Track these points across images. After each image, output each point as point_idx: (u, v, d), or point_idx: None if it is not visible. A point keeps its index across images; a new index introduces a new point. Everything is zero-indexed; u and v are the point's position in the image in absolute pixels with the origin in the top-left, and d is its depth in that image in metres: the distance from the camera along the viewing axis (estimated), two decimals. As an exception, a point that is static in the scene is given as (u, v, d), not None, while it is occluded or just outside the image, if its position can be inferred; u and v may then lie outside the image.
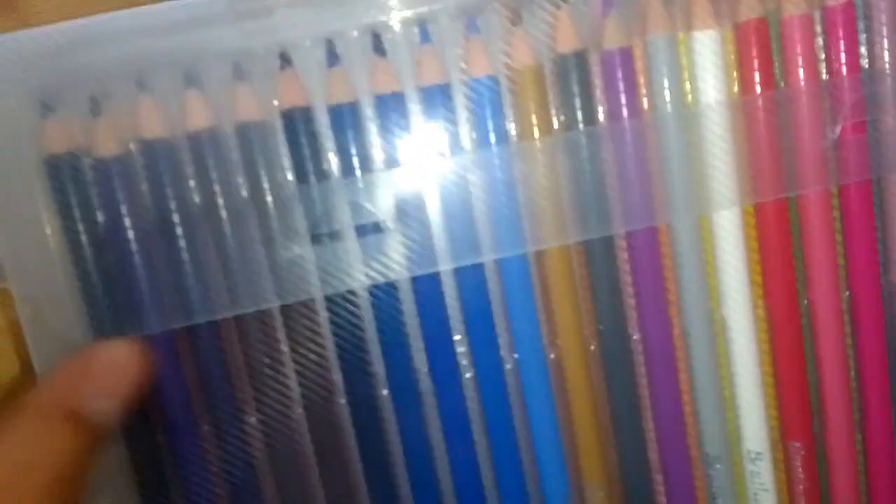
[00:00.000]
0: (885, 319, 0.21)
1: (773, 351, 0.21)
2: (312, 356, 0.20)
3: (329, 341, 0.20)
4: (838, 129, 0.20)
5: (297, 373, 0.20)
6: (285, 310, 0.20)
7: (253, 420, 0.20)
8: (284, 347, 0.20)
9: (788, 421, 0.22)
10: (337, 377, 0.20)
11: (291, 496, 0.21)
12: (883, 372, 0.21)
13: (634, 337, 0.21)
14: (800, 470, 0.22)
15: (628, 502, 0.22)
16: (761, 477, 0.22)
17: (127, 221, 0.19)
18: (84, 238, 0.19)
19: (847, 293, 0.21)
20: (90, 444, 0.17)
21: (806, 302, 0.21)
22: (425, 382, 0.21)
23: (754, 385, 0.21)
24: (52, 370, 0.18)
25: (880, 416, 0.22)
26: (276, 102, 0.19)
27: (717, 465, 0.22)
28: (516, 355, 0.21)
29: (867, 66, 0.20)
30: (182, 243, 0.19)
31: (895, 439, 0.22)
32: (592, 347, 0.21)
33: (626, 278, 0.21)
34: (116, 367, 0.18)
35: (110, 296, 0.19)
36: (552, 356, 0.21)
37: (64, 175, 0.19)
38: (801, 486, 0.22)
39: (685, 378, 0.21)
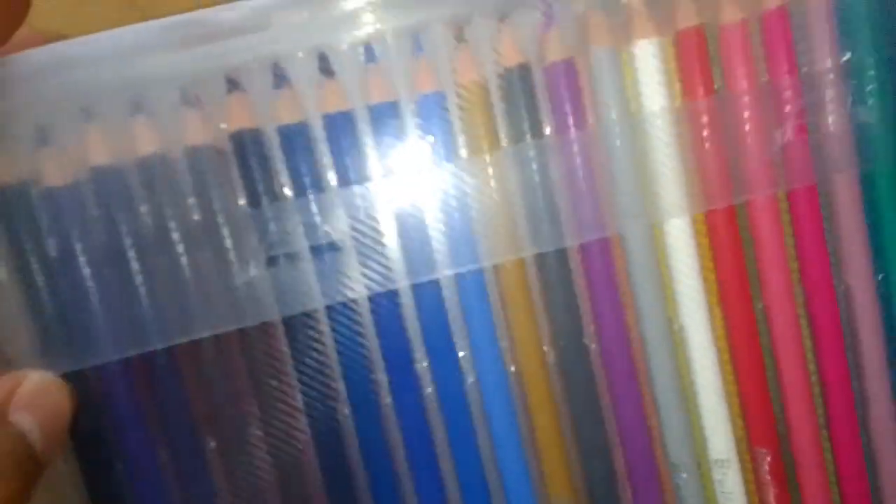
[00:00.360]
0: (840, 318, 0.22)
1: (732, 356, 0.21)
2: (272, 378, 0.20)
3: (288, 363, 0.20)
4: (784, 134, 0.20)
5: (257, 394, 0.20)
6: (242, 333, 0.20)
7: (212, 445, 0.20)
8: (242, 370, 0.20)
9: (753, 426, 0.22)
10: (297, 397, 0.20)
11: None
12: (843, 370, 0.21)
13: (593, 348, 0.21)
14: (768, 475, 0.22)
15: (595, 514, 0.22)
16: (728, 484, 0.22)
17: (78, 250, 0.19)
18: (35, 268, 0.19)
19: (801, 297, 0.22)
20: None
21: (761, 306, 0.21)
22: (386, 399, 0.21)
23: (716, 391, 0.21)
24: None
25: (844, 414, 0.22)
26: (223, 126, 0.20)
27: (684, 474, 0.22)
28: (476, 369, 0.21)
29: (807, 70, 0.21)
30: (135, 270, 0.19)
31: (861, 437, 0.22)
32: (552, 359, 0.21)
33: (581, 290, 0.21)
34: (42, 396, 0.18)
35: (64, 325, 0.19)
36: (512, 369, 0.21)
37: (13, 206, 0.19)
38: (771, 492, 0.22)
39: (647, 387, 0.21)
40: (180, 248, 0.19)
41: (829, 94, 0.20)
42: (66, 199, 0.19)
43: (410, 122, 0.20)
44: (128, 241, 0.19)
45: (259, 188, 0.20)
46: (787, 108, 0.21)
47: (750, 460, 0.22)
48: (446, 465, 0.21)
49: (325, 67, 0.20)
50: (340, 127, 0.20)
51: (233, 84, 0.19)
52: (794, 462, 0.22)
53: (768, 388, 0.22)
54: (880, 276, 0.21)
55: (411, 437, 0.21)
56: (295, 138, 0.20)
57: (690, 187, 0.20)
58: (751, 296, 0.21)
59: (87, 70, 0.19)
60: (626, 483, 0.22)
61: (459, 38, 0.20)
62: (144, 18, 0.24)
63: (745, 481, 0.22)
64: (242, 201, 0.20)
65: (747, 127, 0.20)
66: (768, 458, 0.22)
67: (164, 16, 0.25)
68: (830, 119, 0.20)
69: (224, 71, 0.19)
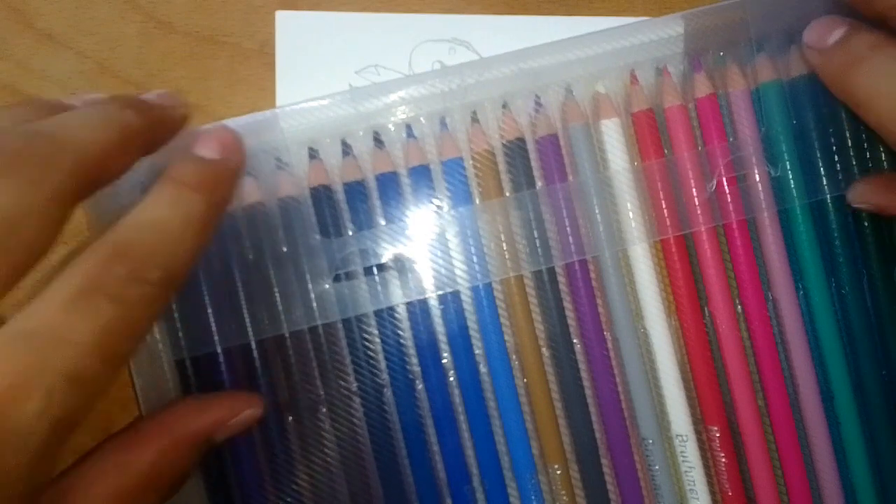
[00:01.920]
0: (771, 325, 0.28)
1: (687, 353, 0.27)
2: (333, 367, 0.27)
3: (346, 356, 0.27)
4: (714, 184, 0.27)
5: (324, 380, 0.27)
6: (313, 331, 0.27)
7: (290, 420, 0.27)
8: (312, 359, 0.27)
9: (705, 409, 0.27)
10: (353, 383, 0.27)
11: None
12: (776, 363, 0.27)
13: (577, 345, 0.27)
14: (719, 449, 0.27)
15: (581, 475, 0.27)
16: (688, 455, 0.27)
17: (200, 270, 0.26)
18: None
19: (740, 306, 0.28)
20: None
21: (708, 313, 0.28)
22: (419, 385, 0.27)
23: (675, 380, 0.27)
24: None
25: (778, 397, 0.27)
26: (305, 183, 0.27)
27: (650, 440, 0.27)
28: (488, 361, 0.27)
29: (732, 139, 0.28)
30: (239, 285, 0.26)
31: (794, 416, 0.27)
32: (546, 354, 0.27)
33: (568, 301, 0.28)
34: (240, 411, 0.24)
35: (186, 322, 0.26)
36: (516, 362, 0.27)
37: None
38: (722, 463, 0.27)
39: (620, 376, 0.28)
40: (272, 270, 0.27)
41: (751, 155, 0.27)
42: None
43: (438, 179, 0.27)
44: (234, 265, 0.27)
45: (329, 227, 0.27)
46: (718, 167, 0.27)
47: (706, 437, 0.28)
48: (465, 435, 0.27)
49: (378, 141, 0.28)
50: (388, 183, 0.27)
51: (313, 153, 0.27)
52: (740, 437, 0.27)
53: (717, 378, 0.28)
54: (801, 292, 0.28)
55: (438, 414, 0.27)
56: (355, 192, 0.27)
57: (647, 221, 0.27)
58: (699, 306, 0.28)
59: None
60: (606, 450, 0.27)
61: (474, 119, 0.28)
62: (147, 20, 0.29)
63: (702, 453, 0.27)
64: (317, 236, 0.27)
65: (689, 179, 0.27)
66: (718, 434, 0.27)
67: (165, 18, 0.30)
68: (753, 173, 0.27)
69: (307, 144, 0.27)
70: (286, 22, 0.31)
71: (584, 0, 0.30)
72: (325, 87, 0.29)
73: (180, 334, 0.26)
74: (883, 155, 0.27)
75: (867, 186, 0.26)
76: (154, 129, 0.22)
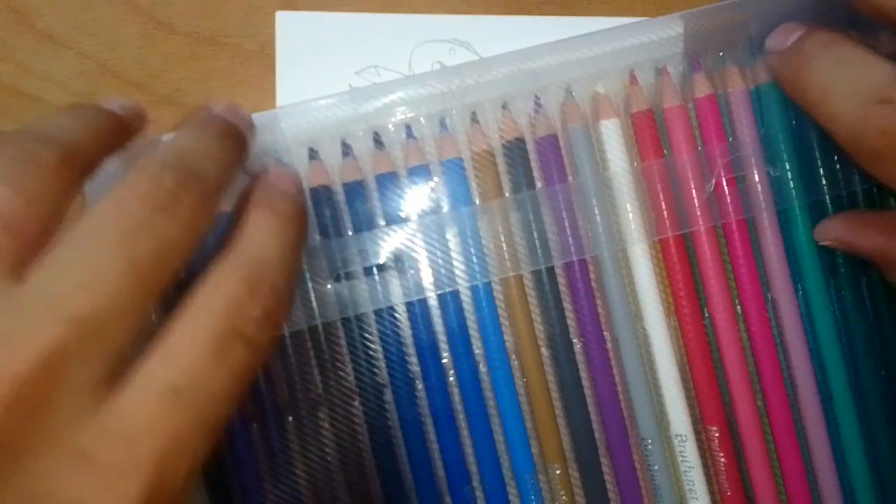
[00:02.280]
0: (770, 326, 0.28)
1: (686, 354, 0.27)
2: (333, 366, 0.27)
3: (346, 355, 0.27)
4: (713, 184, 0.27)
5: (324, 380, 0.27)
6: (313, 331, 0.27)
7: (290, 420, 0.27)
8: (312, 358, 0.27)
9: (705, 409, 0.27)
10: (352, 382, 0.27)
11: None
12: (775, 364, 0.27)
13: (577, 345, 0.27)
14: (718, 449, 0.27)
15: (581, 475, 0.27)
16: (687, 455, 0.27)
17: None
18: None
19: (739, 306, 0.28)
20: None
21: (708, 314, 0.28)
22: (419, 384, 0.27)
23: (674, 380, 0.27)
24: None
25: (777, 398, 0.27)
26: (305, 184, 0.27)
27: (649, 440, 0.27)
28: (488, 361, 0.27)
29: (732, 140, 0.28)
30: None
31: (792, 417, 0.27)
32: (546, 354, 0.27)
33: (568, 301, 0.28)
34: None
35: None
36: (515, 361, 0.27)
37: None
38: (721, 463, 0.27)
39: (619, 376, 0.27)
40: (272, 270, 0.27)
41: (750, 156, 0.27)
42: None
43: (438, 179, 0.28)
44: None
45: (329, 227, 0.27)
46: (718, 167, 0.27)
47: (705, 437, 0.28)
48: (465, 435, 0.27)
49: (378, 141, 0.28)
50: (387, 184, 0.27)
51: (313, 154, 0.27)
52: (739, 437, 0.27)
53: (716, 378, 0.28)
54: (800, 292, 0.28)
55: (437, 414, 0.27)
56: (355, 192, 0.27)
57: (647, 222, 0.27)
58: (699, 306, 0.28)
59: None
60: (606, 450, 0.27)
61: (473, 119, 0.28)
62: (147, 21, 0.29)
63: (701, 453, 0.27)
64: (316, 236, 0.27)
65: (688, 179, 0.27)
66: (717, 435, 0.27)
67: (165, 19, 0.30)
68: (752, 174, 0.27)
69: (307, 145, 0.27)
70: (286, 22, 0.31)
71: (583, 1, 0.30)
72: (325, 88, 0.29)
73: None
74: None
75: (833, 223, 0.26)
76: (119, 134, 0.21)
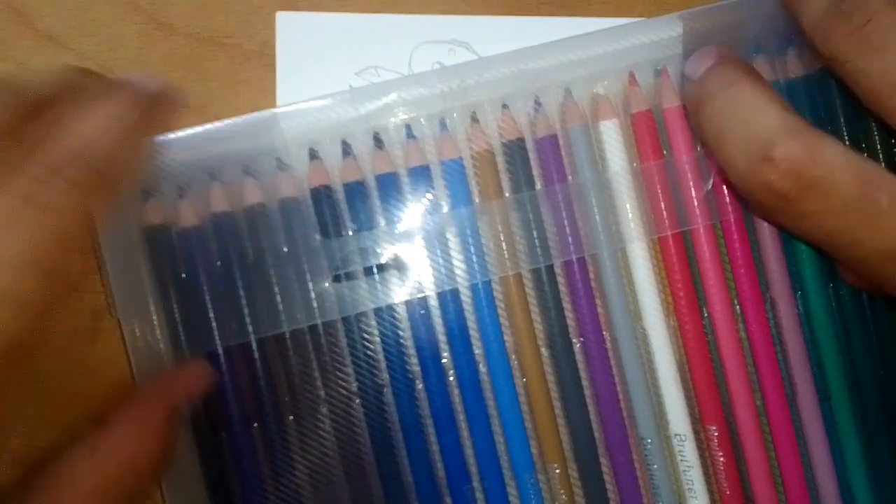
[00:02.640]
0: (769, 325, 0.27)
1: (685, 353, 0.27)
2: (333, 366, 0.27)
3: (346, 355, 0.27)
4: (710, 183, 0.27)
5: (324, 380, 0.27)
6: (313, 330, 0.27)
7: (290, 419, 0.27)
8: (312, 359, 0.27)
9: (704, 408, 0.27)
10: (353, 383, 0.27)
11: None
12: (774, 364, 0.27)
13: (576, 344, 0.27)
14: (717, 449, 0.27)
15: (580, 475, 0.27)
16: (687, 454, 0.27)
17: (201, 271, 0.26)
18: (170, 282, 0.26)
19: (738, 306, 0.28)
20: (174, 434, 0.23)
21: (706, 314, 0.28)
22: (418, 384, 0.27)
23: (673, 380, 0.27)
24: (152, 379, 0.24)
25: (776, 398, 0.27)
26: (306, 184, 0.27)
27: (649, 440, 0.27)
28: (488, 361, 0.27)
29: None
30: (239, 284, 0.26)
31: (791, 416, 0.27)
32: (546, 354, 0.27)
33: (567, 301, 0.28)
34: (195, 378, 0.25)
35: (187, 322, 0.26)
36: (515, 361, 0.27)
37: (157, 240, 0.27)
38: (721, 462, 0.27)
39: (619, 376, 0.27)
40: (272, 270, 0.27)
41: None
42: (195, 236, 0.27)
43: (438, 179, 0.27)
44: (235, 265, 0.27)
45: (329, 227, 0.27)
46: (716, 166, 0.27)
47: (704, 437, 0.28)
48: (464, 435, 0.27)
49: (378, 142, 0.27)
50: (388, 184, 0.27)
51: (313, 154, 0.27)
52: (738, 437, 0.27)
53: (715, 378, 0.27)
54: (799, 292, 0.28)
55: (437, 414, 0.27)
56: (355, 192, 0.27)
57: (647, 222, 0.27)
58: (698, 306, 0.27)
59: (213, 146, 0.27)
60: (605, 450, 0.27)
61: (473, 119, 0.28)
62: (147, 22, 0.29)
63: (700, 452, 0.27)
64: (317, 236, 0.27)
65: (688, 180, 0.27)
66: (717, 434, 0.27)
67: (165, 19, 0.30)
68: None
69: (307, 145, 0.27)
70: (286, 23, 0.30)
71: (583, 1, 0.30)
72: (325, 88, 0.29)
73: (181, 333, 0.26)
74: (881, 156, 0.27)
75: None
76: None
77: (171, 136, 0.27)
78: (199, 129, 0.27)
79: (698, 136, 0.24)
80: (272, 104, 0.30)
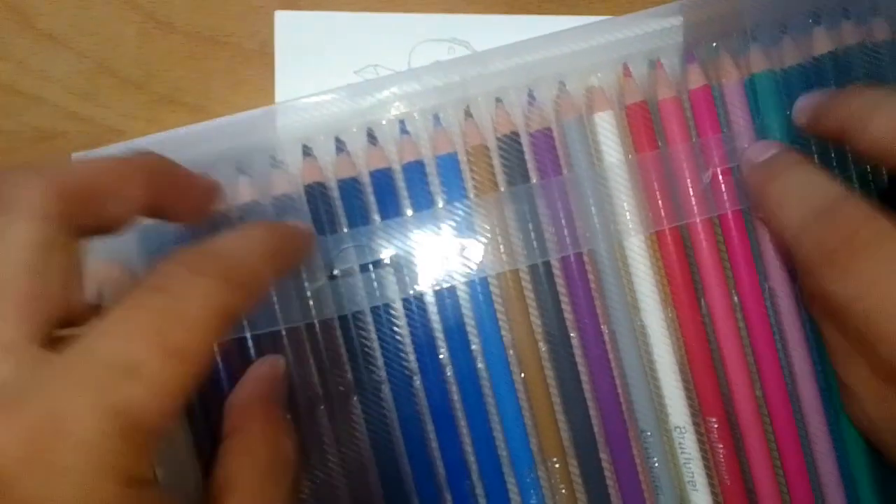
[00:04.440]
0: (768, 315, 0.26)
1: (684, 345, 0.26)
2: (330, 364, 0.26)
3: (342, 352, 0.26)
4: (709, 175, 0.26)
5: (321, 378, 0.26)
6: (310, 328, 0.26)
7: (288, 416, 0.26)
8: (309, 356, 0.26)
9: (703, 400, 0.26)
10: (350, 380, 0.26)
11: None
12: (773, 355, 0.26)
13: (574, 338, 0.26)
14: (717, 440, 0.26)
15: (580, 469, 0.26)
16: (687, 446, 0.26)
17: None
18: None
19: (736, 297, 0.26)
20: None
21: (705, 305, 0.26)
22: (416, 381, 0.26)
23: (672, 373, 0.26)
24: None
25: (776, 389, 0.26)
26: (299, 180, 0.26)
27: (649, 432, 0.26)
28: (485, 356, 0.26)
29: (727, 130, 0.26)
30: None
31: (792, 407, 0.26)
32: (544, 349, 0.26)
33: (564, 295, 0.26)
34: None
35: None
36: (513, 356, 0.26)
37: (153, 239, 0.26)
38: (721, 453, 0.26)
39: (618, 370, 0.26)
40: (268, 268, 0.26)
41: (745, 146, 0.26)
42: (190, 235, 0.25)
43: (433, 174, 0.26)
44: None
45: (324, 224, 0.26)
46: (713, 158, 0.26)
47: (704, 428, 0.26)
48: (463, 431, 0.26)
49: (372, 138, 0.26)
50: (382, 180, 0.26)
51: (307, 151, 0.26)
52: (738, 428, 0.26)
53: (714, 369, 0.26)
54: (797, 282, 0.26)
55: (436, 410, 0.26)
56: (350, 188, 0.26)
57: (643, 214, 0.26)
58: (696, 297, 0.26)
59: (207, 144, 0.26)
60: (605, 443, 0.26)
61: (467, 114, 0.26)
62: (146, 20, 0.29)
63: (700, 444, 0.26)
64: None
65: (683, 171, 0.26)
66: (716, 426, 0.26)
67: (166, 18, 0.29)
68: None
69: (301, 142, 0.26)
70: (285, 22, 0.30)
71: (583, 0, 0.29)
72: (324, 87, 0.28)
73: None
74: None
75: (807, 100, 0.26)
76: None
77: (165, 134, 0.26)
78: (192, 127, 0.27)
79: (757, 207, 0.26)
80: (271, 102, 0.29)
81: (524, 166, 0.26)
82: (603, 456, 0.26)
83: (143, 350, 0.16)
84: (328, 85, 0.28)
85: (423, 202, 0.26)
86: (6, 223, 0.17)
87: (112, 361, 0.15)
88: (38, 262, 0.17)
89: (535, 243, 0.26)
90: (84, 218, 0.18)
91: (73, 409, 0.15)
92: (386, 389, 0.26)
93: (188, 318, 0.16)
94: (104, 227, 0.19)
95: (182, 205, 0.21)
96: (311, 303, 0.25)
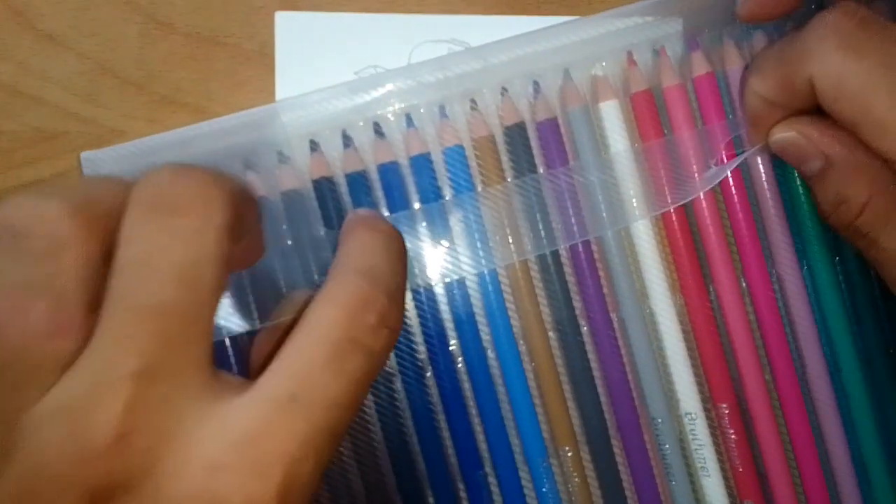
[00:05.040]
0: (777, 301, 0.26)
1: (693, 332, 0.26)
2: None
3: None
4: (717, 163, 0.26)
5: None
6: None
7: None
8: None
9: (714, 386, 0.26)
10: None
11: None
12: (782, 340, 0.26)
13: (584, 327, 0.26)
14: (728, 426, 0.26)
15: (593, 457, 0.26)
16: (698, 433, 0.26)
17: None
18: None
19: (744, 282, 0.26)
20: None
21: (713, 292, 0.26)
22: (428, 372, 0.26)
23: (682, 360, 0.26)
24: None
25: (786, 374, 0.26)
26: (307, 175, 0.26)
27: (660, 419, 0.26)
28: (496, 347, 0.26)
29: (732, 117, 0.26)
30: (244, 275, 0.25)
31: (802, 391, 0.26)
32: (553, 338, 0.26)
33: (572, 282, 0.26)
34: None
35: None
36: (523, 346, 0.26)
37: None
38: (732, 439, 0.26)
39: (627, 357, 0.26)
40: (277, 263, 0.25)
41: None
42: None
43: (440, 167, 0.26)
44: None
45: (333, 218, 0.26)
46: (719, 145, 0.26)
47: (715, 414, 0.26)
48: (476, 421, 0.26)
49: (378, 131, 0.26)
50: (390, 173, 0.26)
51: (314, 146, 0.26)
52: (749, 413, 0.26)
53: (724, 355, 0.26)
54: (805, 267, 0.26)
55: (448, 402, 0.26)
56: (357, 183, 0.26)
57: (650, 202, 0.26)
58: (704, 284, 0.26)
59: (213, 142, 0.26)
60: (616, 431, 0.26)
61: (473, 106, 0.26)
62: (147, 21, 0.28)
63: (712, 430, 0.26)
64: (322, 228, 0.26)
65: (689, 158, 0.26)
66: (727, 412, 0.26)
67: (165, 19, 0.28)
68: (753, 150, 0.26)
69: (307, 137, 0.26)
70: (286, 22, 0.29)
71: (583, 0, 0.29)
72: (324, 88, 0.28)
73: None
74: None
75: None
76: None
77: (172, 133, 0.26)
78: (199, 125, 0.26)
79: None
80: (272, 103, 0.28)
81: (531, 156, 0.26)
82: (615, 443, 0.26)
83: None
84: (328, 85, 0.28)
85: (431, 195, 0.26)
86: (196, 226, 0.16)
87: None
88: (221, 280, 0.16)
89: (542, 233, 0.26)
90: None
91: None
92: (398, 382, 0.26)
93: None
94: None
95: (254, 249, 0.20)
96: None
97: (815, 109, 0.23)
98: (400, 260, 0.19)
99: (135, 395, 0.15)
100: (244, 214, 0.17)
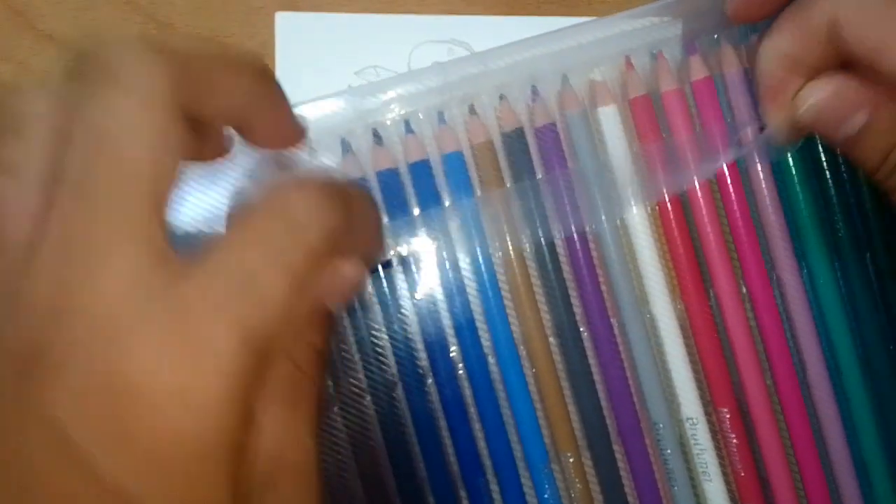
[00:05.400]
0: (777, 304, 0.26)
1: (693, 336, 0.26)
2: (342, 365, 0.25)
3: (354, 352, 0.26)
4: (716, 163, 0.26)
5: (333, 379, 0.25)
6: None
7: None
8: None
9: (715, 391, 0.26)
10: (362, 380, 0.26)
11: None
12: (783, 344, 0.26)
13: (584, 332, 0.26)
14: (730, 431, 0.26)
15: (594, 462, 0.26)
16: (699, 438, 0.26)
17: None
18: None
19: (744, 287, 0.26)
20: None
21: (713, 296, 0.26)
22: (428, 379, 0.26)
23: (683, 364, 0.26)
24: None
25: (787, 377, 0.26)
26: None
27: (661, 424, 0.26)
28: (496, 352, 0.26)
29: (730, 120, 0.26)
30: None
31: (802, 394, 0.26)
32: (553, 343, 0.26)
33: (572, 287, 0.26)
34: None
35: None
36: (523, 352, 0.26)
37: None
38: (734, 444, 0.26)
39: (628, 362, 0.26)
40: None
41: (748, 136, 0.26)
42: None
43: (439, 173, 0.26)
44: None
45: (332, 225, 0.26)
46: (718, 147, 0.26)
47: (716, 419, 0.26)
48: (477, 428, 0.26)
49: (377, 138, 0.26)
50: (388, 180, 0.26)
51: (312, 152, 0.26)
52: (750, 418, 0.26)
53: (725, 360, 0.26)
54: (805, 270, 0.26)
55: (449, 408, 0.26)
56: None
57: (649, 206, 0.26)
58: (704, 288, 0.26)
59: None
60: (618, 436, 0.26)
61: (472, 111, 0.26)
62: (147, 21, 0.28)
63: (713, 435, 0.26)
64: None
65: (688, 162, 0.26)
66: (728, 416, 0.26)
67: (165, 19, 0.29)
68: (752, 154, 0.26)
69: (306, 144, 0.26)
70: (286, 23, 0.29)
71: (583, 0, 0.29)
72: (324, 88, 0.28)
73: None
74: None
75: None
76: None
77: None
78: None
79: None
80: (271, 105, 0.28)
81: (530, 161, 0.26)
82: (616, 449, 0.26)
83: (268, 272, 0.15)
84: (329, 86, 0.28)
85: (430, 201, 0.26)
86: (118, 101, 0.15)
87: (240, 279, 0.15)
88: (163, 157, 0.15)
89: (542, 238, 0.26)
90: (192, 112, 0.16)
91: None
92: (399, 389, 0.25)
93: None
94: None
95: (274, 123, 0.19)
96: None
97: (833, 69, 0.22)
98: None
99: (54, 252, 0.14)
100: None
